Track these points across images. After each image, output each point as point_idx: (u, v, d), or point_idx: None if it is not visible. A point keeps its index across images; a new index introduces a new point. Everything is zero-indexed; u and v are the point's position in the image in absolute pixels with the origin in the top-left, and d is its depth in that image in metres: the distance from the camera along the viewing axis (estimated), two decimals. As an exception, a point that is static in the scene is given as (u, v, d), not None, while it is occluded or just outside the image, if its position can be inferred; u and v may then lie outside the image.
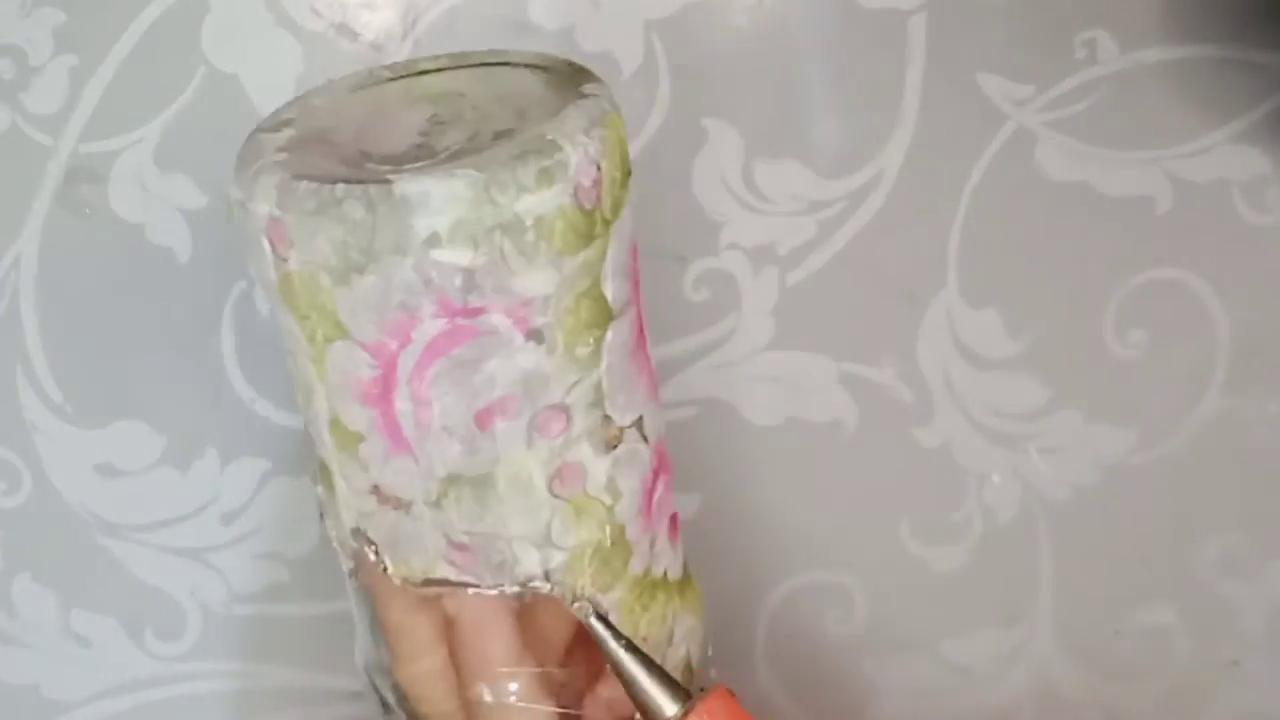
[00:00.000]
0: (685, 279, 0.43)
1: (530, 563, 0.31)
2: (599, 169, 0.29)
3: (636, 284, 0.32)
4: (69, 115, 0.41)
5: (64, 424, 0.42)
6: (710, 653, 0.37)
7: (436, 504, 0.30)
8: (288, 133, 0.31)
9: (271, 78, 0.41)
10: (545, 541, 0.31)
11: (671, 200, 0.42)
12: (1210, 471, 0.45)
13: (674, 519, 0.35)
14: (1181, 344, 0.44)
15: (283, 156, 0.30)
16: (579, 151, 0.28)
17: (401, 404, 0.29)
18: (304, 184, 0.28)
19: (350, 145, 0.31)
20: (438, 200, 0.27)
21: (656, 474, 0.33)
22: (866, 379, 0.44)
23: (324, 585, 0.44)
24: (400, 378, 0.29)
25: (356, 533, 0.32)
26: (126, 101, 0.41)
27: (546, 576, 0.31)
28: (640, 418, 0.32)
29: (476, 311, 0.28)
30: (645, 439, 0.32)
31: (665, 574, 0.34)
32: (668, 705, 0.31)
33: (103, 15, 0.41)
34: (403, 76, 0.34)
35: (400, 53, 0.42)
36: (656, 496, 0.33)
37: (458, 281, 0.28)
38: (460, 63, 0.34)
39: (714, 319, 0.43)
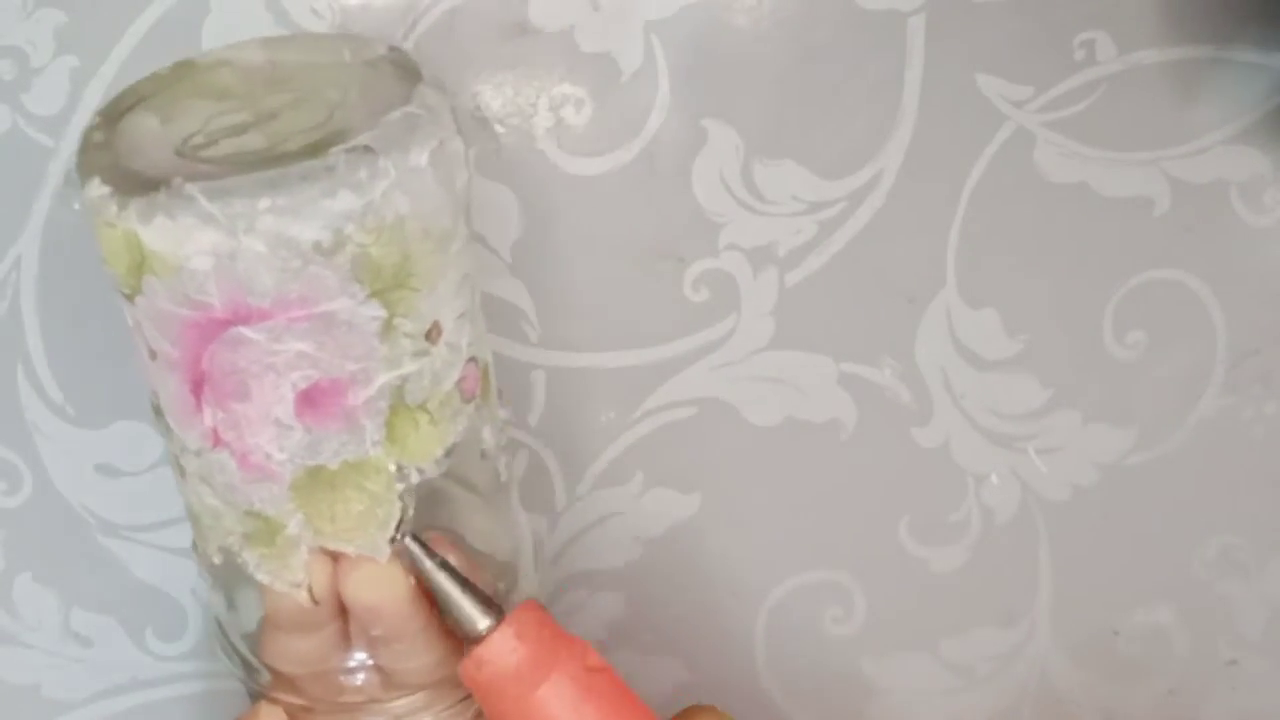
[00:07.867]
0: (685, 279, 0.43)
1: None
2: None
3: None
4: (70, 116, 0.41)
5: (65, 424, 0.42)
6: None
7: None
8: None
9: (272, 78, 0.41)
10: None
11: (671, 200, 0.42)
12: (1209, 471, 0.45)
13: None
14: (1180, 344, 0.44)
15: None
16: None
17: None
18: None
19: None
20: None
21: None
22: (866, 379, 0.44)
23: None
24: None
25: None
26: (127, 102, 0.41)
27: None
28: None
29: None
30: None
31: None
32: (480, 619, 0.32)
33: (103, 16, 0.41)
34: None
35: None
36: None
37: None
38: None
39: (714, 319, 0.43)
